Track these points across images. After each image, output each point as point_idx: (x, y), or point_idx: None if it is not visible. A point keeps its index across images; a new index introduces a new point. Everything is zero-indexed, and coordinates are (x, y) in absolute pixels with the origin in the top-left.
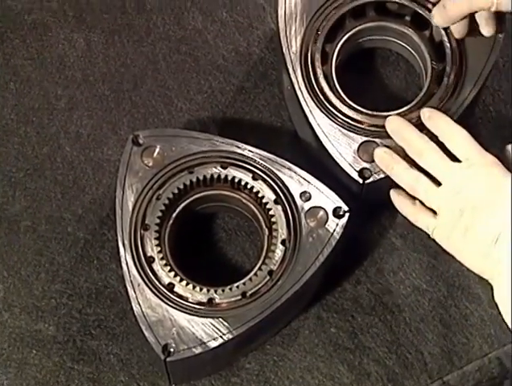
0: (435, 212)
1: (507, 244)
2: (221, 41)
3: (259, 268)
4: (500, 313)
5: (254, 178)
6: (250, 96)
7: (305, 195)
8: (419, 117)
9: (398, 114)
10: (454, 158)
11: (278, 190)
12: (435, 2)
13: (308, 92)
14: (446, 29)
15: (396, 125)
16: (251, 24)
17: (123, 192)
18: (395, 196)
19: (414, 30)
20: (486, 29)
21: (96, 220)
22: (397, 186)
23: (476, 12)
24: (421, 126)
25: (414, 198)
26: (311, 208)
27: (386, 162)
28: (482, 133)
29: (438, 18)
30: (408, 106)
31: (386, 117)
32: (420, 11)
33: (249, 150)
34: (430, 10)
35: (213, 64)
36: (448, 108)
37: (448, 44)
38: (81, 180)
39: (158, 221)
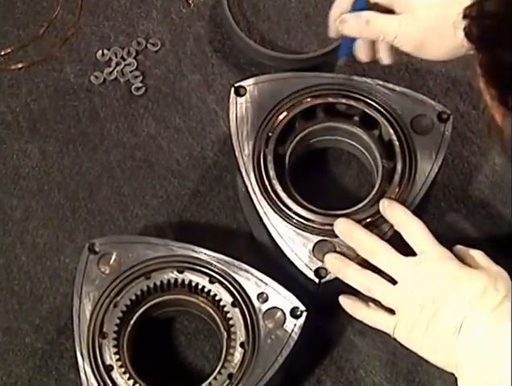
0: (392, 311)
1: (469, 332)
2: (175, 146)
3: (219, 372)
4: None
5: (211, 282)
6: (206, 200)
7: (262, 297)
8: (372, 215)
9: (351, 213)
10: (409, 248)
11: (236, 293)
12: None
13: (262, 193)
14: (394, 128)
15: (344, 226)
16: (204, 128)
17: (80, 301)
18: (345, 302)
19: (363, 129)
20: (384, 56)
21: (54, 330)
22: (349, 288)
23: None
24: (371, 226)
25: (367, 299)
26: (268, 309)
27: (338, 266)
28: (435, 229)
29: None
30: (360, 205)
31: (340, 215)
32: (368, 111)
33: (206, 254)
34: (377, 110)
35: (168, 169)
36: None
37: (397, 143)
38: (38, 290)
39: (116, 329)
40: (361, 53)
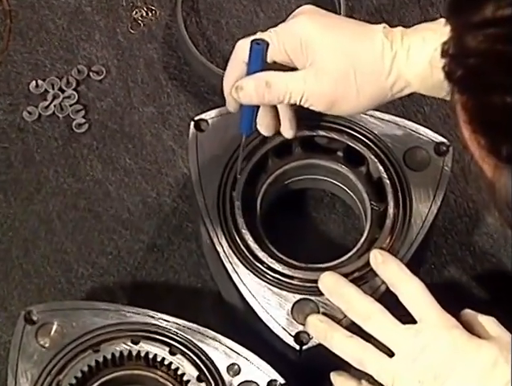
0: None
1: None
2: (126, 192)
3: None
4: None
5: (172, 353)
6: (164, 255)
7: (233, 369)
8: (360, 267)
9: (336, 266)
10: (406, 312)
11: (202, 365)
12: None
13: (230, 246)
14: (385, 164)
15: (331, 282)
16: (160, 170)
17: (16, 380)
18: (336, 379)
19: (348, 166)
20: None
21: None
22: (336, 356)
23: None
24: (360, 281)
25: (358, 372)
26: (241, 383)
27: (323, 331)
28: (436, 283)
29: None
30: (347, 256)
31: (323, 269)
32: (353, 145)
33: (165, 320)
34: (364, 144)
35: (118, 220)
36: (393, 253)
37: (388, 181)
38: None
39: None
40: (262, 126)
